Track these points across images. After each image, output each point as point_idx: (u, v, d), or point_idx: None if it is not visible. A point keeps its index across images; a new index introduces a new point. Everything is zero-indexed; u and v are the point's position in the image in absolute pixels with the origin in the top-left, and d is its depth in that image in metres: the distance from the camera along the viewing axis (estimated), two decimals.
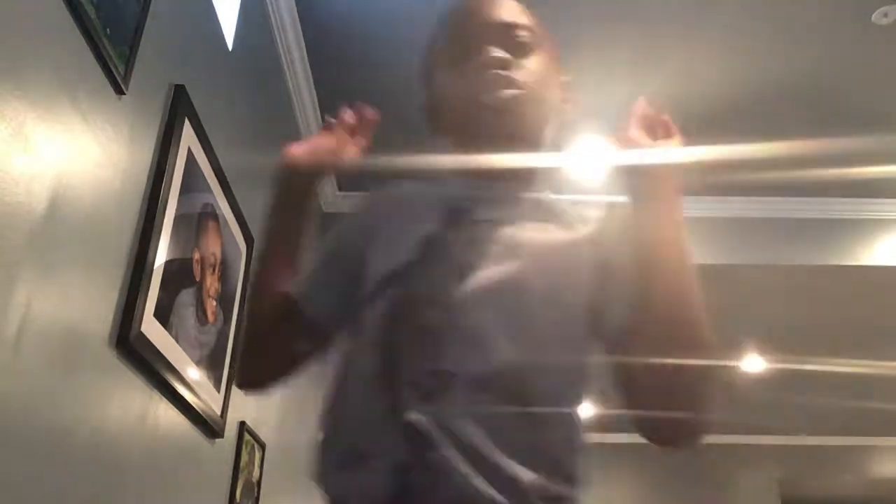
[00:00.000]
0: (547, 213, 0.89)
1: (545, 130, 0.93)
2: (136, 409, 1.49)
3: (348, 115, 0.95)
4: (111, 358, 1.38)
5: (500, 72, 0.87)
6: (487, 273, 0.79)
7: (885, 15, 2.51)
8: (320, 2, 2.56)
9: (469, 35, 0.91)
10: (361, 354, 0.80)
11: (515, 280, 0.79)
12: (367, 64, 2.77)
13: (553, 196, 0.92)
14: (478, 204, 0.87)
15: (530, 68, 0.90)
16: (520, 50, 0.90)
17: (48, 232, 1.16)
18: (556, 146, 0.95)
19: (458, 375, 0.73)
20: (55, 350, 1.19)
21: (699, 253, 0.79)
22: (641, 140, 0.79)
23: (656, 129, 0.81)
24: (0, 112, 1.04)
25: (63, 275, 1.21)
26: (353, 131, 0.95)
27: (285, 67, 2.72)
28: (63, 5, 1.20)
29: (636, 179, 0.79)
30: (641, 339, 0.74)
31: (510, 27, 0.91)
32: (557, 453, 0.75)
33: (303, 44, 2.74)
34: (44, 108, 1.15)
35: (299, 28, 2.68)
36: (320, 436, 0.81)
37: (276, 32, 2.58)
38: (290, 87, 2.80)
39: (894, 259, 3.48)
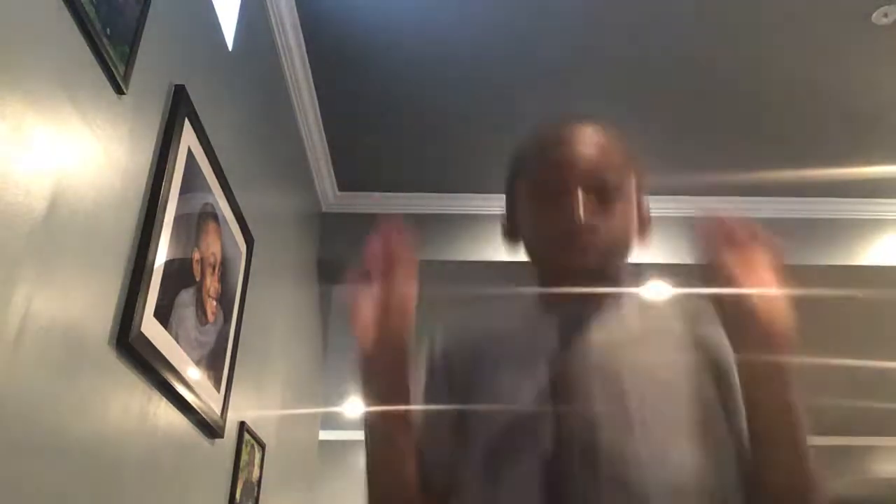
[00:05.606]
0: (650, 312, 0.92)
1: (626, 260, 0.94)
2: (136, 409, 1.49)
3: (375, 251, 0.87)
4: (111, 358, 1.38)
5: (588, 224, 0.86)
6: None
7: (885, 15, 2.51)
8: (320, 2, 2.56)
9: (557, 178, 0.89)
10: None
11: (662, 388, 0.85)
12: (367, 64, 2.77)
13: (647, 291, 0.95)
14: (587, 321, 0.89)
15: (616, 214, 0.89)
16: (607, 194, 0.89)
17: (48, 232, 1.16)
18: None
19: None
20: (55, 350, 1.19)
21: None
22: (733, 265, 0.80)
23: (740, 241, 0.81)
24: (0, 112, 1.05)
25: (63, 275, 1.21)
26: (389, 258, 0.86)
27: (285, 67, 2.72)
28: (63, 5, 1.20)
29: (737, 325, 0.80)
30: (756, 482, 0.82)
31: (599, 169, 0.89)
32: None
33: (303, 44, 2.74)
34: (43, 107, 1.15)
35: (299, 28, 2.67)
36: None
37: (276, 32, 2.58)
38: (290, 87, 2.80)
39: (894, 259, 3.48)
